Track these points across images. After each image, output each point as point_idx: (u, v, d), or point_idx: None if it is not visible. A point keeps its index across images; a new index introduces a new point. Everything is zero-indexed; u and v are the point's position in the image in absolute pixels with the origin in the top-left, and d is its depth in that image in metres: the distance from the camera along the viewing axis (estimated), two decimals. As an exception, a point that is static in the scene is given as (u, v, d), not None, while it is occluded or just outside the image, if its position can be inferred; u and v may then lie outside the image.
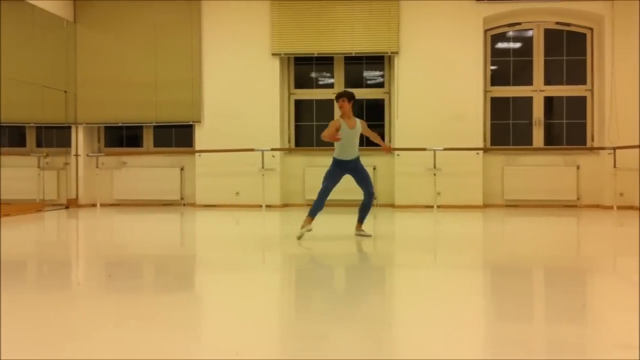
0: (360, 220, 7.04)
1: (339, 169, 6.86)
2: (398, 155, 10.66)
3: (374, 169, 10.79)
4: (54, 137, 10.71)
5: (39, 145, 11.03)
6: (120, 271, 5.09)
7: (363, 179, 6.91)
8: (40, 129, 10.98)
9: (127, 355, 2.69)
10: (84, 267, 5.51)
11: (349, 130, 6.71)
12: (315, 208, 6.80)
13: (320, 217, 9.27)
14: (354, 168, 6.88)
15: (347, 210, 10.27)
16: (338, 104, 6.77)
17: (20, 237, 7.35)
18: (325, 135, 6.60)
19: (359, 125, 6.84)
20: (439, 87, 10.67)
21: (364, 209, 7.00)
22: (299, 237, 6.68)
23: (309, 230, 6.74)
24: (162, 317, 3.41)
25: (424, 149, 10.39)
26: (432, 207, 10.35)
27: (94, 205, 11.06)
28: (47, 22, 10.62)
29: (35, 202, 10.29)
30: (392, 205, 10.71)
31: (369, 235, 6.93)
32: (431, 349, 2.83)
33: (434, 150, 10.35)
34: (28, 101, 10.59)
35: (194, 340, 3.06)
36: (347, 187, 10.64)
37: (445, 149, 10.36)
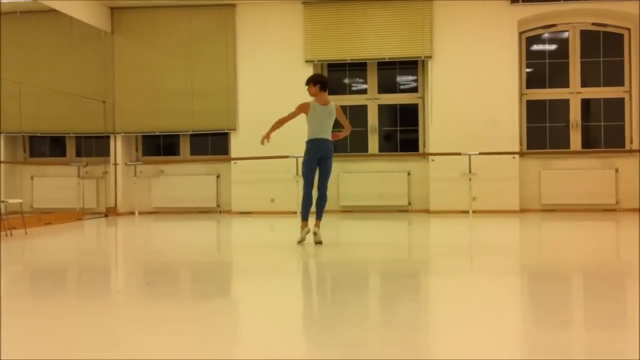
0: (306, 217, 6.79)
1: (315, 152, 6.66)
2: (432, 160, 10.62)
3: (408, 174, 10.77)
4: (93, 146, 10.94)
5: (78, 154, 11.30)
6: (159, 278, 5.18)
7: (327, 169, 6.77)
8: (80, 138, 11.24)
9: (167, 362, 2.74)
10: (124, 275, 5.62)
11: (320, 106, 6.70)
12: (305, 209, 6.72)
13: (353, 223, 9.31)
14: (327, 154, 6.70)
15: (382, 216, 10.26)
16: (307, 89, 6.85)
17: (61, 246, 7.52)
18: (287, 116, 6.76)
19: (333, 106, 6.78)
20: (473, 90, 10.60)
21: (310, 205, 6.76)
22: (300, 242, 6.69)
23: (308, 232, 6.73)
24: (200, 323, 3.46)
25: (459, 154, 10.33)
26: (467, 212, 10.27)
27: (132, 213, 11.25)
28: (86, 34, 10.87)
29: (76, 210, 10.51)
30: (427, 211, 10.66)
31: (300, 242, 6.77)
32: (469, 355, 2.82)
33: (469, 155, 10.29)
34: (68, 112, 10.86)
35: (232, 345, 3.10)
36: (383, 192, 10.67)
37: (480, 154, 10.29)
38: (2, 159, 10.49)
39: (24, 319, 3.66)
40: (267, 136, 6.98)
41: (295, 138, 10.88)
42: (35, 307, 4.07)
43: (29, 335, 3.27)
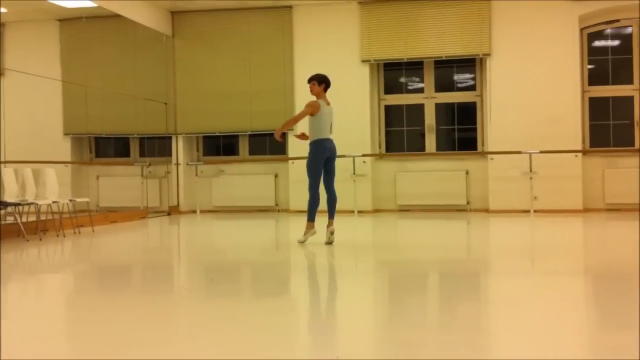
0: (312, 218, 6.85)
1: (323, 152, 6.68)
2: (492, 159, 10.48)
3: (467, 173, 10.66)
4: (156, 147, 11.24)
5: (142, 155, 11.63)
6: (221, 276, 5.30)
7: (333, 170, 6.82)
8: (143, 139, 11.57)
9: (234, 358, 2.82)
10: (187, 272, 5.77)
11: (327, 107, 6.77)
12: (313, 210, 6.77)
13: (411, 223, 9.28)
14: (332, 154, 6.75)
15: (440, 215, 10.20)
16: (309, 87, 6.86)
17: (127, 243, 7.77)
18: (301, 114, 6.68)
19: (332, 109, 6.87)
20: (533, 88, 10.41)
21: (316, 206, 6.83)
22: (302, 242, 6.74)
23: (314, 233, 6.77)
24: (262, 321, 3.54)
25: (519, 152, 10.16)
26: (528, 212, 10.10)
27: (194, 212, 11.51)
28: (148, 38, 11.17)
29: (140, 209, 10.83)
30: (487, 210, 10.52)
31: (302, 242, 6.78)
32: (532, 358, 2.80)
33: (530, 154, 10.10)
34: (132, 114, 11.20)
35: (295, 343, 3.16)
36: (440, 192, 10.59)
37: (541, 152, 10.09)
38: (69, 159, 10.91)
39: (91, 315, 3.82)
40: (278, 135, 6.89)
41: (350, 138, 10.95)
42: (102, 303, 4.23)
43: (96, 330, 3.42)
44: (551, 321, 3.47)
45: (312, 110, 6.69)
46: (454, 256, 6.26)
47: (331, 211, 6.84)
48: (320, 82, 6.83)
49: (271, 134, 11.52)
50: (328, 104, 6.84)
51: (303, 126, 8.15)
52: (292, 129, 10.50)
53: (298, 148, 11.16)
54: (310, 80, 6.88)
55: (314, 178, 6.71)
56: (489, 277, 5.19)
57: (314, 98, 6.83)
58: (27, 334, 3.34)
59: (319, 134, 6.70)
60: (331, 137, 6.81)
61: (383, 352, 2.95)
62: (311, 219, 6.79)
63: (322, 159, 6.70)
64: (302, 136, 6.98)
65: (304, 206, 10.99)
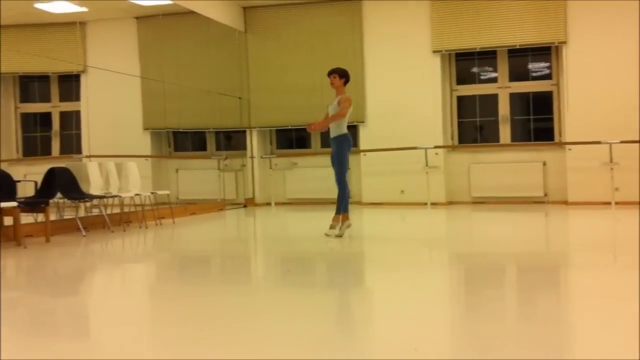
0: (344, 209, 6.81)
1: (349, 145, 6.79)
2: (570, 149, 10.20)
3: (544, 164, 10.43)
4: (231, 140, 11.50)
5: (218, 149, 11.94)
6: (296, 266, 5.41)
7: (334, 164, 6.87)
8: (219, 133, 11.86)
9: (310, 350, 2.89)
10: (264, 262, 5.92)
11: (331, 104, 6.82)
12: (346, 202, 6.77)
13: (486, 215, 9.17)
14: (333, 149, 6.81)
15: (516, 208, 10.02)
16: (330, 80, 6.84)
17: (206, 234, 8.01)
18: (343, 112, 6.60)
19: (336, 100, 6.83)
20: (612, 75, 10.05)
21: (340, 199, 6.81)
22: (340, 235, 6.73)
23: (349, 226, 6.78)
24: (339, 312, 3.61)
25: (599, 142, 9.86)
26: (609, 204, 9.79)
27: (268, 204, 11.72)
28: (221, 33, 11.43)
29: (217, 201, 11.12)
30: (565, 202, 10.26)
31: (340, 235, 6.75)
32: (615, 355, 2.76)
33: (610, 144, 9.78)
34: (208, 108, 11.49)
35: (372, 335, 3.22)
36: (516, 183, 10.39)
37: (622, 142, 9.75)
38: (149, 153, 11.32)
39: (173, 302, 3.99)
40: (315, 127, 6.93)
41: (422, 129, 10.89)
42: (183, 291, 4.40)
43: (177, 316, 3.57)
44: (634, 318, 3.39)
45: (349, 107, 6.77)
46: (532, 249, 6.16)
47: (339, 206, 6.88)
48: (342, 76, 6.86)
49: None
50: (335, 100, 6.89)
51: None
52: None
53: (370, 140, 11.19)
54: (331, 73, 6.89)
55: (344, 171, 6.80)
56: (568, 271, 5.09)
57: (345, 93, 6.85)
58: (113, 319, 3.53)
59: (344, 128, 6.81)
60: (331, 134, 6.88)
61: (461, 344, 2.97)
62: (346, 210, 6.83)
63: (349, 152, 6.83)
64: (314, 127, 6.99)
65: (377, 198, 11.14)
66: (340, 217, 6.82)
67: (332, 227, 6.85)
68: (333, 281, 4.76)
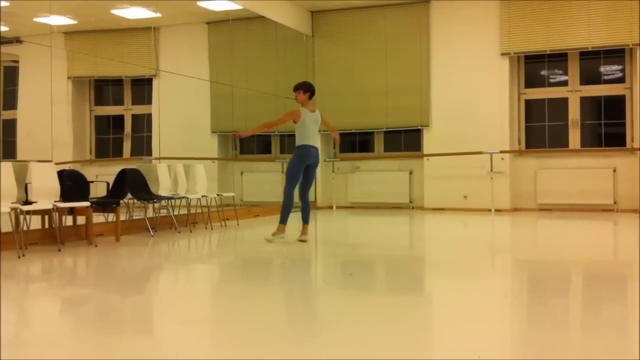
0: (284, 220, 6.85)
1: (305, 158, 6.73)
2: (642, 155, 9.85)
3: (614, 171, 10.10)
4: (286, 144, 11.59)
5: (282, 152, 12.09)
6: (358, 270, 5.45)
7: (312, 176, 6.87)
8: (284, 137, 12.01)
9: (372, 354, 2.93)
10: (325, 265, 5.98)
11: (310, 113, 6.77)
12: (286, 213, 6.78)
13: (552, 222, 8.96)
14: (315, 160, 6.80)
15: (585, 215, 9.75)
16: (295, 95, 6.90)
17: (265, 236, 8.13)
18: (275, 121, 6.85)
19: (319, 113, 6.86)
20: (691, 79, 9.65)
21: (290, 208, 6.85)
22: (269, 241, 6.77)
23: (283, 237, 6.77)
24: (402, 317, 3.63)
25: (674, 149, 9.48)
26: (683, 212, 9.40)
27: (330, 207, 11.80)
28: (289, 37, 11.59)
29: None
30: (636, 211, 9.90)
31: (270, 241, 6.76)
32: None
33: (686, 150, 9.39)
34: (274, 112, 11.63)
35: (433, 342, 3.22)
36: (585, 190, 10.10)
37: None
38: (216, 155, 11.58)
39: (236, 302, 4.09)
40: (244, 134, 7.21)
41: (488, 134, 10.73)
42: (246, 291, 4.51)
43: (240, 316, 3.66)
44: None
45: (290, 117, 6.87)
46: (599, 258, 6.00)
47: (305, 217, 6.93)
48: (306, 91, 6.92)
49: (407, 131, 11.64)
50: (314, 110, 6.90)
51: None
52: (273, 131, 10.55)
53: (434, 144, 11.11)
54: (296, 90, 6.95)
55: (291, 182, 6.82)
56: (636, 281, 4.93)
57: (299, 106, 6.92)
58: (177, 317, 3.65)
59: (303, 140, 6.81)
60: (317, 145, 6.89)
61: (525, 353, 2.93)
62: (284, 221, 6.85)
63: (304, 165, 6.79)
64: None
65: (439, 204, 11.04)
66: (279, 226, 6.88)
67: (274, 234, 6.90)
68: (395, 285, 4.77)
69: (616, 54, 10.50)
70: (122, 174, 7.63)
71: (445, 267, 5.53)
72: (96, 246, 6.55)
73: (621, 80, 10.53)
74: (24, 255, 5.80)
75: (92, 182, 7.38)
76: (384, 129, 11.62)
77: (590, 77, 10.77)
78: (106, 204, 7.23)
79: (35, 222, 6.67)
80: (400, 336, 3.17)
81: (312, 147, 6.84)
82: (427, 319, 3.69)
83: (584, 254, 6.20)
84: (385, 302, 4.09)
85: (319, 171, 11.77)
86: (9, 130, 9.75)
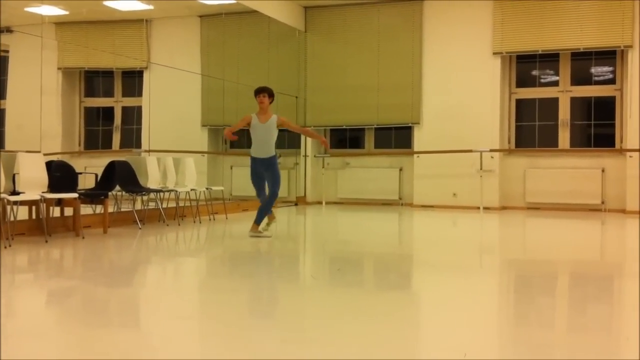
0: (258, 220, 6.82)
1: (255, 166, 6.75)
2: (631, 156, 9.91)
3: (603, 171, 10.15)
4: (286, 139, 11.59)
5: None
6: (347, 266, 5.45)
7: (272, 178, 6.74)
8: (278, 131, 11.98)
9: (360, 351, 2.93)
10: (314, 261, 5.98)
11: (260, 125, 6.61)
12: (260, 213, 6.81)
13: (540, 221, 9.00)
14: (267, 167, 6.71)
15: (572, 215, 9.80)
16: (258, 99, 6.67)
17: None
18: (227, 130, 6.65)
19: (274, 120, 6.65)
20: (680, 82, 9.71)
21: (263, 208, 6.81)
22: (252, 237, 6.76)
23: (259, 235, 6.77)
24: (389, 314, 3.63)
25: (662, 151, 9.54)
26: (670, 213, 9.47)
27: (319, 203, 11.80)
28: (282, 33, 11.56)
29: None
30: (623, 211, 9.96)
31: (268, 237, 6.74)
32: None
33: (674, 152, 9.46)
34: (264, 106, 11.61)
35: (420, 339, 3.23)
36: (573, 190, 10.16)
37: (687, 151, 9.42)
38: (206, 149, 11.55)
39: (223, 297, 4.08)
40: (229, 134, 6.83)
41: (478, 132, 10.76)
42: (233, 286, 4.50)
43: (226, 311, 3.66)
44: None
45: (243, 123, 6.79)
46: (586, 257, 6.03)
47: (258, 215, 6.88)
48: (271, 95, 6.76)
49: (397, 128, 11.65)
50: (267, 119, 6.72)
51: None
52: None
53: (424, 142, 11.13)
54: (259, 92, 6.74)
55: (255, 189, 6.92)
56: (622, 281, 4.96)
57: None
58: (164, 311, 3.64)
59: (251, 150, 6.84)
60: (265, 155, 6.73)
61: (510, 351, 2.95)
62: (258, 221, 6.88)
63: (257, 174, 6.81)
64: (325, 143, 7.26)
65: (429, 201, 11.07)
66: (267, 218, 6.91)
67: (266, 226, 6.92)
68: (383, 282, 4.78)
69: (607, 56, 10.55)
70: (111, 166, 7.60)
71: (434, 265, 5.55)
72: (83, 238, 6.52)
73: (612, 81, 10.58)
74: (10, 245, 5.76)
75: (80, 173, 7.34)
76: (375, 126, 11.62)
77: (581, 77, 10.82)
78: (94, 195, 7.19)
79: (22, 213, 6.63)
80: (387, 334, 3.18)
81: (255, 159, 6.79)
82: (414, 316, 3.70)
83: (572, 253, 6.24)
84: (373, 299, 4.10)
85: (309, 166, 11.83)
86: (-3, 120, 9.68)
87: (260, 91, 6.76)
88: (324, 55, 11.81)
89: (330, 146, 12.18)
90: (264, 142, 6.74)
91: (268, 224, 6.96)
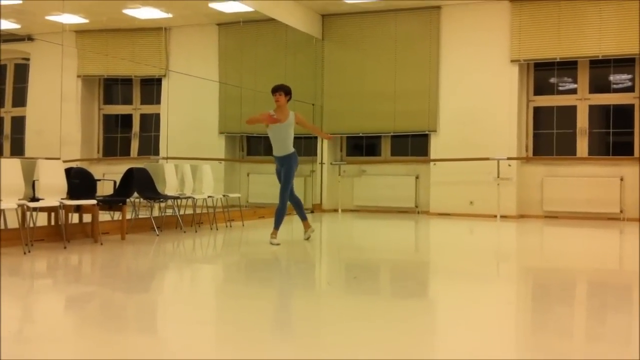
0: (276, 225, 6.81)
1: (277, 165, 6.80)
2: (650, 165, 9.82)
3: (621, 179, 10.06)
4: (302, 146, 11.60)
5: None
6: (363, 273, 5.45)
7: (283, 176, 6.74)
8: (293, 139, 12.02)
9: (378, 357, 2.92)
10: (330, 268, 5.98)
11: (277, 125, 6.60)
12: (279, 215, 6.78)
13: (558, 230, 8.92)
14: (283, 165, 6.74)
15: (591, 224, 9.71)
16: (274, 98, 6.68)
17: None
18: (253, 119, 6.69)
19: (292, 118, 6.67)
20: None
21: (277, 213, 6.80)
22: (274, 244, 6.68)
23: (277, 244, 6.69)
24: (406, 321, 3.62)
25: (682, 159, 9.44)
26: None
27: (335, 210, 11.80)
28: (299, 40, 11.60)
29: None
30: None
31: (277, 244, 6.65)
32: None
33: (695, 161, 9.35)
34: (280, 114, 11.66)
35: (438, 345, 3.22)
36: (592, 198, 10.07)
37: None
38: (223, 156, 11.60)
39: (240, 303, 4.10)
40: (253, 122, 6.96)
41: (496, 140, 10.71)
42: (250, 293, 4.51)
43: (243, 316, 3.67)
44: None
45: (263, 120, 6.70)
46: (604, 266, 5.97)
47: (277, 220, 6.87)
48: (287, 94, 6.78)
49: (414, 136, 11.63)
50: (285, 118, 6.74)
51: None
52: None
53: (441, 150, 11.10)
54: (276, 91, 6.77)
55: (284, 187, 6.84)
56: (642, 292, 4.91)
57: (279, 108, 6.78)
58: (181, 317, 3.66)
59: (273, 150, 6.88)
60: (282, 153, 6.79)
61: (530, 359, 2.93)
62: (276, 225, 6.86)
63: (278, 174, 6.88)
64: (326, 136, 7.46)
65: (445, 209, 11.03)
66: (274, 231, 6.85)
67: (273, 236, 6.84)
68: (399, 290, 4.77)
69: (626, 63, 10.46)
70: (129, 173, 7.66)
71: (451, 273, 5.52)
72: (102, 244, 6.57)
73: (631, 89, 10.49)
74: (29, 251, 5.83)
75: (99, 180, 7.41)
76: (392, 133, 11.62)
77: (599, 85, 10.74)
78: (113, 202, 7.25)
79: (41, 219, 6.69)
80: (404, 340, 3.17)
81: (278, 157, 6.84)
82: (431, 323, 3.69)
83: (590, 262, 6.18)
84: (389, 306, 4.09)
85: (325, 174, 11.83)
86: (17, 127, 9.81)
87: (276, 90, 6.81)
88: (340, 63, 11.83)
89: (346, 154, 12.24)
90: (282, 140, 6.79)
91: (305, 232, 7.08)
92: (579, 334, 3.51)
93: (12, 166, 6.15)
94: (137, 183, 7.66)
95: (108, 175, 8.28)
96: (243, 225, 9.05)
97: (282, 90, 6.78)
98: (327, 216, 11.04)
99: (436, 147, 11.22)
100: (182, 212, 8.37)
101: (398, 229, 9.33)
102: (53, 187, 6.50)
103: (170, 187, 8.16)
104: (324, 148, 11.86)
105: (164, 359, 2.85)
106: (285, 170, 6.81)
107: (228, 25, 11.52)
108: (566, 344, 3.20)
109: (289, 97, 6.83)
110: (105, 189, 7.78)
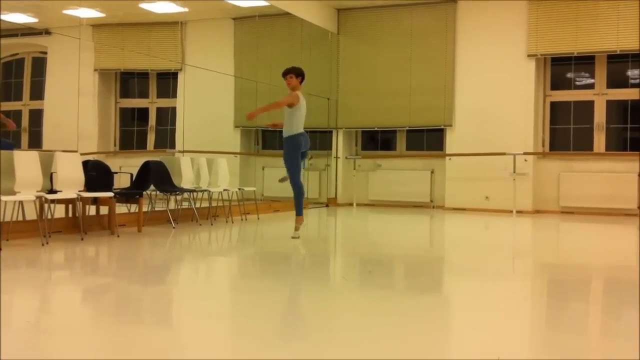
0: (299, 212, 6.74)
1: (297, 147, 6.60)
2: (669, 161, 9.71)
3: (639, 175, 9.97)
4: (317, 140, 11.64)
5: (303, 148, 12.09)
6: (378, 268, 5.45)
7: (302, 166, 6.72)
8: (308, 133, 12.04)
9: (390, 353, 2.93)
10: (345, 262, 5.99)
11: (303, 100, 6.61)
12: (301, 203, 6.67)
13: (575, 226, 8.86)
14: (306, 147, 6.71)
15: (608, 219, 9.64)
16: (286, 81, 6.62)
17: (288, 232, 8.15)
18: (284, 101, 6.46)
19: (303, 102, 6.67)
20: None
21: (294, 201, 6.73)
22: (296, 237, 6.61)
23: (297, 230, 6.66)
24: (421, 317, 3.62)
25: (701, 155, 9.33)
26: None
27: (350, 204, 11.80)
28: (314, 35, 11.59)
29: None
30: (660, 216, 9.77)
31: (297, 237, 6.61)
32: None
33: None
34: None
35: (453, 341, 3.22)
36: (609, 194, 9.98)
37: None
38: (238, 150, 11.64)
39: (255, 297, 4.12)
40: (254, 115, 6.78)
41: (512, 135, 10.65)
42: (265, 287, 4.54)
43: (258, 310, 3.69)
44: None
45: (292, 100, 6.54)
46: (621, 263, 5.93)
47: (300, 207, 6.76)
48: (298, 75, 6.69)
49: (429, 130, 11.59)
50: (302, 98, 6.70)
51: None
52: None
53: (456, 144, 11.06)
54: (287, 74, 6.69)
55: (295, 172, 6.67)
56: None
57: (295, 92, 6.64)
58: (196, 309, 3.69)
59: (294, 128, 6.61)
60: (284, 134, 6.70)
61: (544, 356, 2.92)
62: (300, 212, 6.73)
63: (299, 153, 6.68)
64: (274, 126, 7.13)
65: (460, 204, 10.99)
66: (297, 219, 6.74)
67: (296, 229, 6.76)
68: (414, 285, 4.77)
69: (645, 58, 10.35)
70: (146, 166, 7.71)
71: (466, 268, 5.51)
72: (118, 236, 6.63)
73: (649, 84, 10.38)
74: (47, 243, 5.89)
75: (116, 173, 7.46)
76: (407, 128, 11.59)
77: (616, 80, 10.64)
78: (129, 194, 7.31)
79: (59, 211, 6.76)
80: (419, 336, 3.17)
81: (301, 135, 6.70)
82: (446, 319, 3.69)
83: (606, 258, 6.14)
84: (404, 302, 4.09)
85: (340, 168, 11.83)
86: (35, 120, 9.89)
87: (286, 73, 6.76)
88: (356, 57, 11.81)
89: (361, 148, 12.22)
90: (303, 120, 6.73)
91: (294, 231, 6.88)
92: (594, 330, 3.50)
93: (31, 158, 6.22)
94: (154, 176, 7.71)
95: (125, 168, 8.34)
96: (258, 218, 9.09)
97: (292, 72, 6.72)
98: (341, 210, 11.05)
99: (452, 142, 11.17)
100: (197, 205, 8.41)
101: (413, 224, 9.32)
102: (70, 180, 6.56)
103: (186, 180, 8.21)
104: (339, 142, 11.86)
105: (180, 351, 2.87)
106: (284, 154, 6.76)
107: (244, 19, 11.53)
108: (581, 340, 3.18)
109: (301, 79, 6.75)
110: (122, 181, 7.84)
